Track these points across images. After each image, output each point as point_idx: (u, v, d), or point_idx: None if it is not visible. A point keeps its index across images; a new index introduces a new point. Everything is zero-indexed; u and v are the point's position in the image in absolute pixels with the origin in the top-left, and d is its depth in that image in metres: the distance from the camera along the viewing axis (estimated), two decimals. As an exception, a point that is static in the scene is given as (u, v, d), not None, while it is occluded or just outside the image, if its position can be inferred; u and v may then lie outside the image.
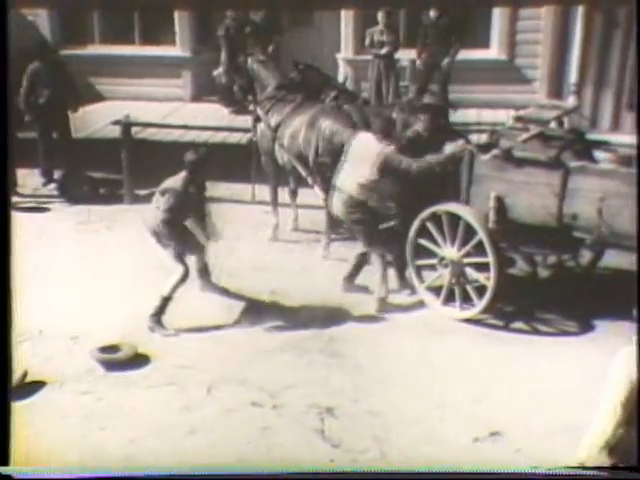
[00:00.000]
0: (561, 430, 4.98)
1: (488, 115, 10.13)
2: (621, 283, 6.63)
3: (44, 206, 9.09)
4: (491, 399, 5.51)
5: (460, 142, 6.69)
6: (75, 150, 9.66)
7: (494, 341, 6.30)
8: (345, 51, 11.40)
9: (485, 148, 6.58)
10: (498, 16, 10.93)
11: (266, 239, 8.05)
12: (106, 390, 5.75)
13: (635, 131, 8.29)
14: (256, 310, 6.79)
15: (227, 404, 5.55)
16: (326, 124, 7.38)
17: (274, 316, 6.69)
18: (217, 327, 6.54)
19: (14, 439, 4.90)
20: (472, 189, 6.53)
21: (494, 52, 11.09)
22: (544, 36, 10.73)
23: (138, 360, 6.09)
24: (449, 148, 6.59)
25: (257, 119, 8.20)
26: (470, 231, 6.46)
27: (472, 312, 6.53)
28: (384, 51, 10.19)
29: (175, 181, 6.60)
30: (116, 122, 9.30)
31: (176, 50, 11.94)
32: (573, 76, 10.24)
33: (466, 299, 6.58)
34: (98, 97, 11.69)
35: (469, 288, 6.56)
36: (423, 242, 6.71)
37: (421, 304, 6.81)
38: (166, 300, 6.55)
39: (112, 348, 6.15)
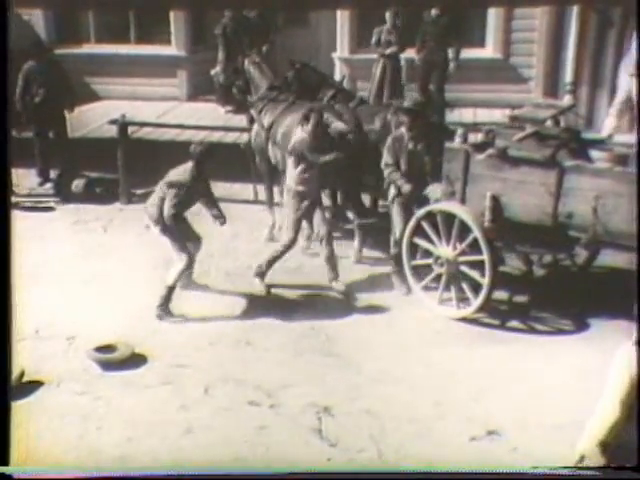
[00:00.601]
0: (558, 428, 4.99)
1: (484, 114, 10.14)
2: (617, 282, 6.66)
3: (40, 206, 9.08)
4: (488, 398, 5.52)
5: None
6: (71, 150, 9.66)
7: (491, 340, 6.31)
8: (341, 50, 11.41)
9: (481, 147, 6.60)
10: (493, 15, 10.96)
11: (262, 238, 8.05)
12: (103, 390, 5.74)
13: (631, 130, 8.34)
14: (252, 308, 6.81)
15: (224, 403, 5.55)
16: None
17: (271, 314, 6.70)
18: (215, 326, 6.55)
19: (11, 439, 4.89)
20: (468, 188, 6.55)
21: (489, 51, 11.10)
22: (539, 35, 10.75)
23: (135, 360, 6.08)
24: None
25: (252, 120, 8.23)
26: (465, 230, 6.48)
27: (468, 310, 6.55)
28: (390, 50, 10.22)
29: (182, 173, 6.67)
30: (112, 121, 9.30)
31: (172, 49, 11.94)
32: (568, 75, 10.27)
33: (462, 298, 6.60)
34: (94, 96, 11.68)
35: (465, 286, 6.57)
36: (418, 242, 6.75)
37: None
38: (171, 289, 6.66)
39: (108, 348, 6.13)
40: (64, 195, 9.27)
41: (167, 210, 6.58)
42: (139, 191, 9.04)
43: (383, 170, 6.89)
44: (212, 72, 11.04)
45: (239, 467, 4.89)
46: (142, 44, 11.95)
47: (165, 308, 6.66)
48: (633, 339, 3.50)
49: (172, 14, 11.79)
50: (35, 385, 5.76)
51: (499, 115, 8.95)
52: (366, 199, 7.88)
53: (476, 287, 6.51)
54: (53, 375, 5.89)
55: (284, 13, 12.04)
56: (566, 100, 9.66)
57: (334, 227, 7.85)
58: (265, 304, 6.88)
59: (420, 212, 6.69)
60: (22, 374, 5.74)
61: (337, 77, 9.69)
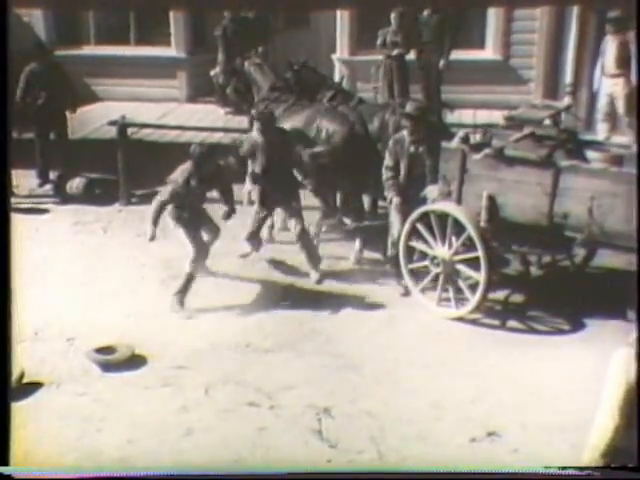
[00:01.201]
0: (559, 429, 5.00)
1: (484, 115, 10.14)
2: (614, 282, 6.67)
3: (40, 207, 9.08)
4: (488, 399, 5.52)
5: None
6: (71, 151, 9.66)
7: (490, 341, 6.31)
8: (341, 52, 11.41)
9: (477, 147, 6.60)
10: (493, 16, 10.96)
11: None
12: (103, 391, 5.74)
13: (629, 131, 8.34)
14: (252, 309, 6.81)
15: (224, 405, 5.55)
16: (323, 125, 7.43)
17: (271, 316, 6.71)
18: (215, 327, 6.55)
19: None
20: (464, 188, 6.55)
21: (489, 52, 11.11)
22: (539, 36, 10.75)
23: (135, 361, 6.08)
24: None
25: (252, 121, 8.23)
26: (461, 229, 6.48)
27: (466, 309, 6.54)
28: (397, 52, 10.22)
29: (179, 172, 6.74)
30: (112, 123, 9.30)
31: (171, 51, 11.95)
32: (568, 77, 10.27)
33: (460, 298, 6.60)
34: (94, 98, 11.69)
35: (462, 285, 6.58)
36: (415, 244, 6.76)
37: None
38: (189, 277, 6.76)
39: (108, 349, 6.14)
40: (63, 196, 9.27)
41: (153, 201, 6.76)
42: (139, 192, 9.06)
43: (383, 172, 6.90)
44: (212, 73, 11.06)
45: (239, 468, 4.89)
46: (142, 45, 11.96)
47: (181, 298, 6.73)
48: (629, 341, 3.44)
49: (172, 16, 11.80)
50: (35, 386, 5.76)
51: (499, 116, 8.95)
52: (366, 199, 7.88)
53: (473, 286, 6.52)
54: (53, 376, 5.89)
55: (284, 14, 12.06)
56: (565, 101, 9.66)
57: (331, 228, 7.88)
58: (265, 305, 6.88)
59: (415, 213, 6.69)
60: (22, 375, 5.74)
61: (336, 78, 9.69)
